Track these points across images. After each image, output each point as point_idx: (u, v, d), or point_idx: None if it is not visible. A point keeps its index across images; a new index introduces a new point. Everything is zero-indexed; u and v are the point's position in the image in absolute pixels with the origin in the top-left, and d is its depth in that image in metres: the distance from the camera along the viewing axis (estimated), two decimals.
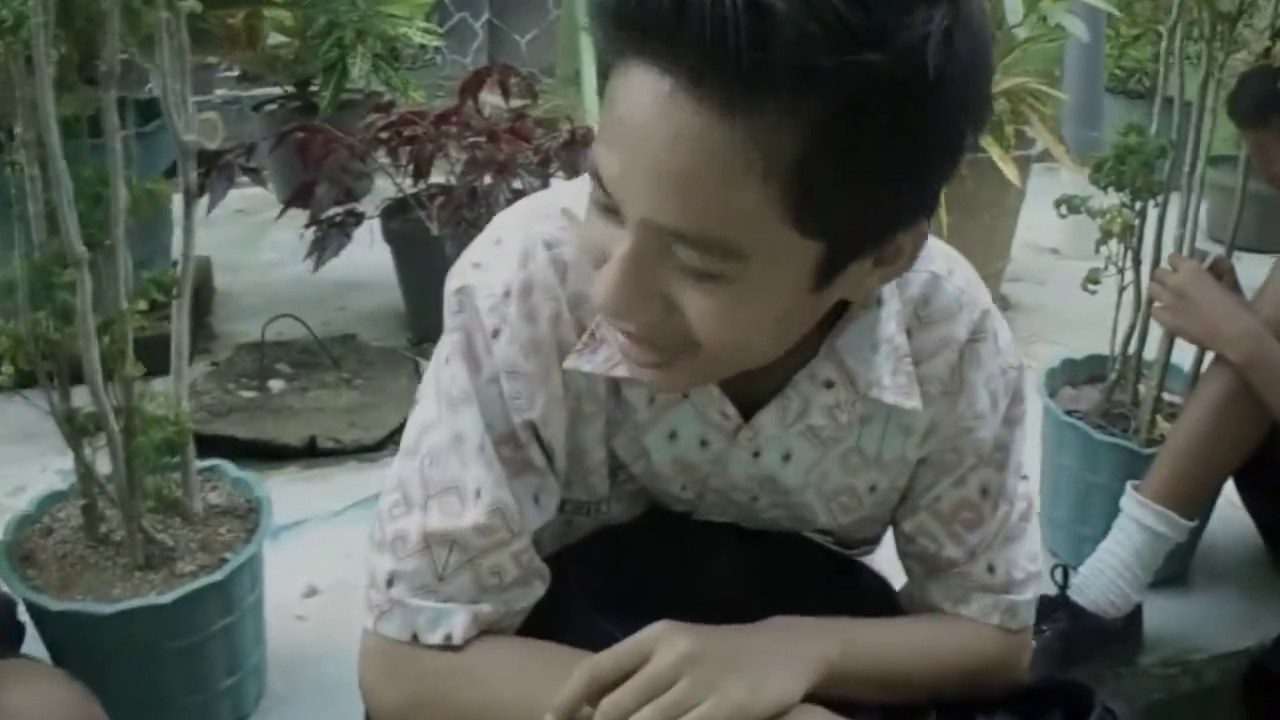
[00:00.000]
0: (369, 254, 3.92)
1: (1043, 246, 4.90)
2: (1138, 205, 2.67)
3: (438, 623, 1.41)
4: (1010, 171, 3.66)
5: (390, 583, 1.41)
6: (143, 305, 2.10)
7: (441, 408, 1.42)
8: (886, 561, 1.75)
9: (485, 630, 1.42)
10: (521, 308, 1.38)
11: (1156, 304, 2.63)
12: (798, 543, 1.67)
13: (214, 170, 3.53)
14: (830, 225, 1.14)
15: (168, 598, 2.07)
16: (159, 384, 2.23)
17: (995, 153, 3.68)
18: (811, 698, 1.40)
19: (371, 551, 1.45)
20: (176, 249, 2.35)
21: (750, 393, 1.45)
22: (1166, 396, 2.82)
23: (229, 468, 2.42)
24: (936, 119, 1.11)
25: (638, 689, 1.32)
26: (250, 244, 4.75)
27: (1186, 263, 2.59)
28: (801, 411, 1.46)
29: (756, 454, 1.51)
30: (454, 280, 1.42)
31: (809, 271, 1.18)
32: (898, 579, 1.73)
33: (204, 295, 4.07)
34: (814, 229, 1.13)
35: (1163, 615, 2.71)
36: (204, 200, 3.43)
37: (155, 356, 2.22)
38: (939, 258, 1.50)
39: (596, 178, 1.18)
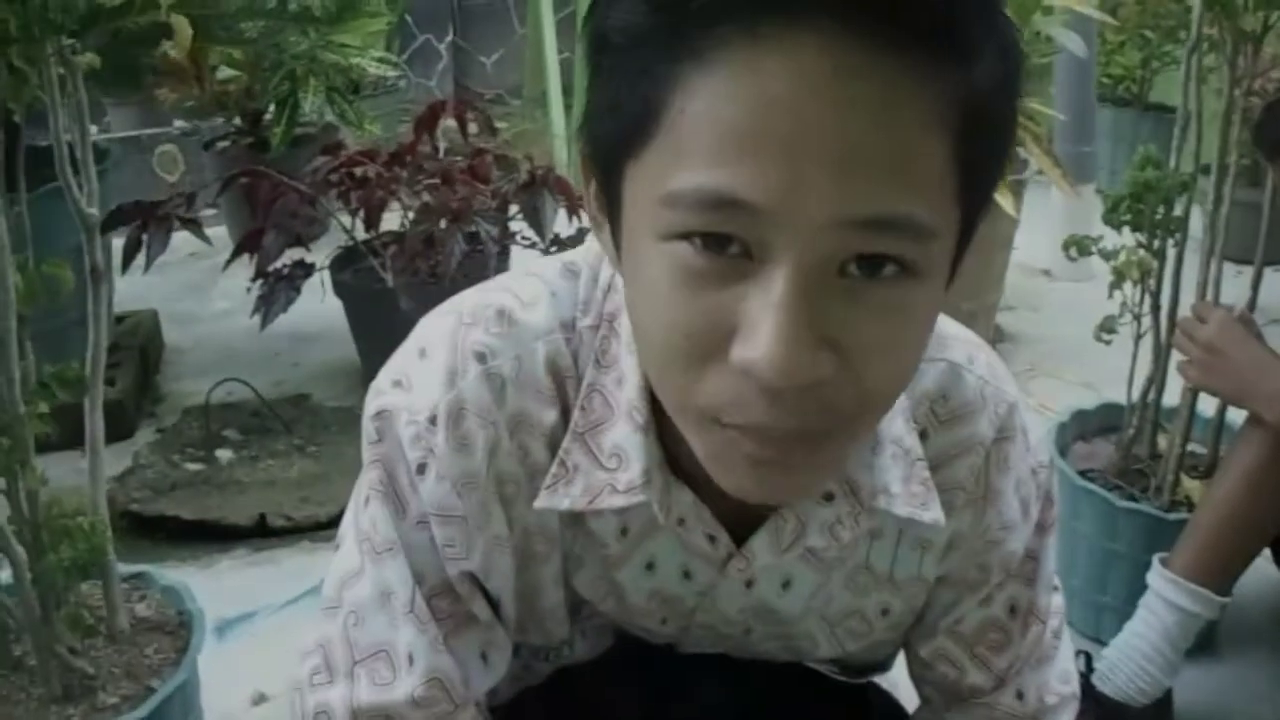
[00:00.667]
0: (322, 304, 3.73)
1: (1034, 268, 4.74)
2: (1155, 245, 2.46)
3: None
4: (1007, 202, 3.46)
5: None
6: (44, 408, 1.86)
7: (364, 556, 1.19)
8: (900, 678, 1.56)
9: None
10: (451, 436, 1.14)
11: (1182, 359, 2.41)
12: (794, 667, 1.45)
13: (152, 223, 3.32)
14: (976, 189, 0.98)
15: None
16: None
17: None
18: None
19: None
20: (122, 302, 2.11)
21: (738, 515, 1.21)
22: (1189, 447, 2.62)
23: (157, 575, 2.19)
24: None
25: None
26: (201, 292, 4.58)
27: (1216, 313, 2.37)
28: (798, 533, 1.23)
29: (749, 583, 1.28)
30: (372, 402, 1.18)
31: (950, 261, 1.00)
32: (909, 696, 1.53)
33: (151, 353, 3.90)
34: (965, 193, 0.96)
35: (1192, 688, 2.51)
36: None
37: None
38: (955, 343, 1.27)
39: (725, 205, 0.90)
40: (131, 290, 3.94)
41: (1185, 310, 2.47)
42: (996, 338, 3.80)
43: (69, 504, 1.92)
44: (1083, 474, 2.63)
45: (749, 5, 0.86)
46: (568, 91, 5.65)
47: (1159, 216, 2.40)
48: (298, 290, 3.44)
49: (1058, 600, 1.43)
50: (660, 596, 1.29)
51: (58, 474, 2.01)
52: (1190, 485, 2.56)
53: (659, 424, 1.13)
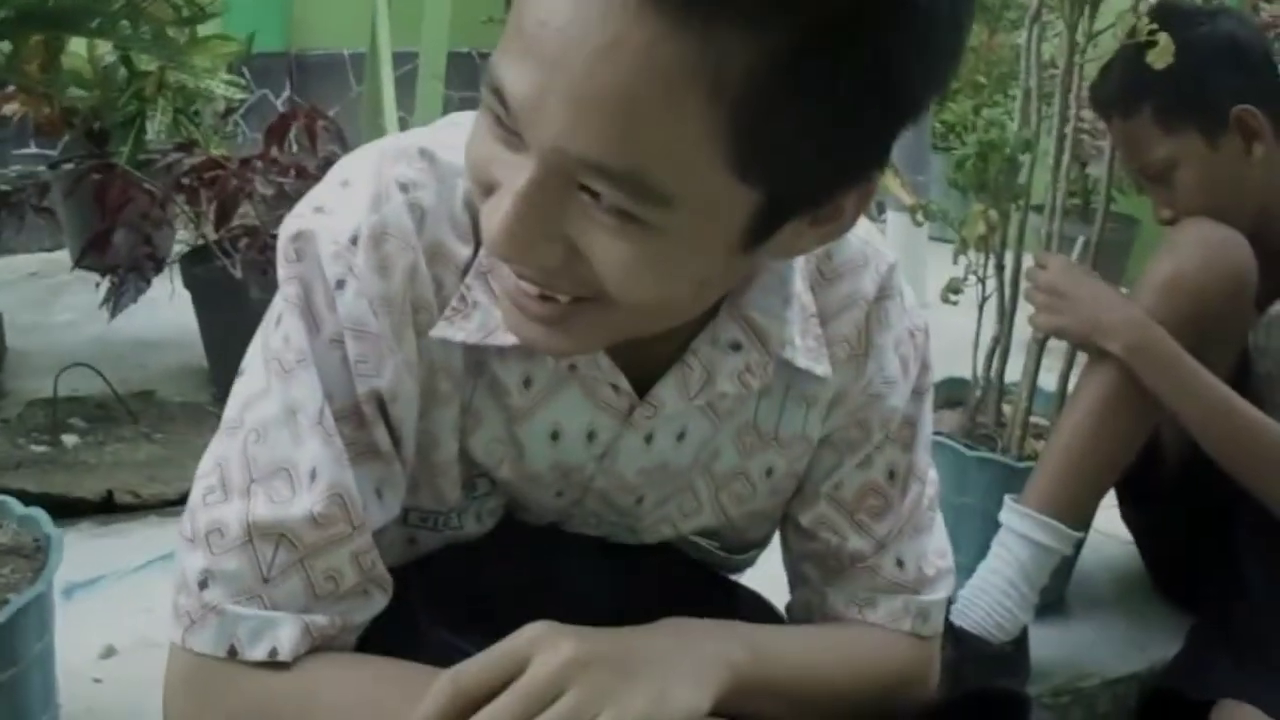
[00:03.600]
0: (169, 311, 3.76)
1: None
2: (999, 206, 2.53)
3: (261, 634, 1.16)
4: None
5: (204, 584, 1.17)
6: None
7: (271, 375, 1.19)
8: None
9: (317, 646, 1.18)
10: (372, 257, 1.17)
11: (1033, 308, 2.48)
12: (669, 559, 1.49)
13: (3, 209, 3.27)
14: (774, 171, 0.98)
15: None
16: None
17: None
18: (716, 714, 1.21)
19: (181, 549, 1.20)
20: None
21: (641, 364, 1.26)
22: (1033, 419, 2.68)
23: (13, 504, 2.15)
24: (915, 57, 0.96)
25: (515, 704, 1.09)
26: (44, 305, 4.50)
27: (1056, 258, 2.46)
28: (706, 381, 1.28)
29: (649, 438, 1.32)
30: (291, 225, 1.20)
31: (740, 227, 1.02)
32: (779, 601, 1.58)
33: None
34: (755, 174, 0.97)
35: (1045, 644, 2.56)
36: None
37: None
38: None
39: (496, 94, 0.98)
40: None
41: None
42: None
43: None
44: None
45: None
46: None
47: (1002, 180, 2.47)
48: (147, 281, 3.42)
49: (932, 473, 1.48)
50: (561, 467, 1.33)
51: None
52: (1037, 445, 2.62)
53: None
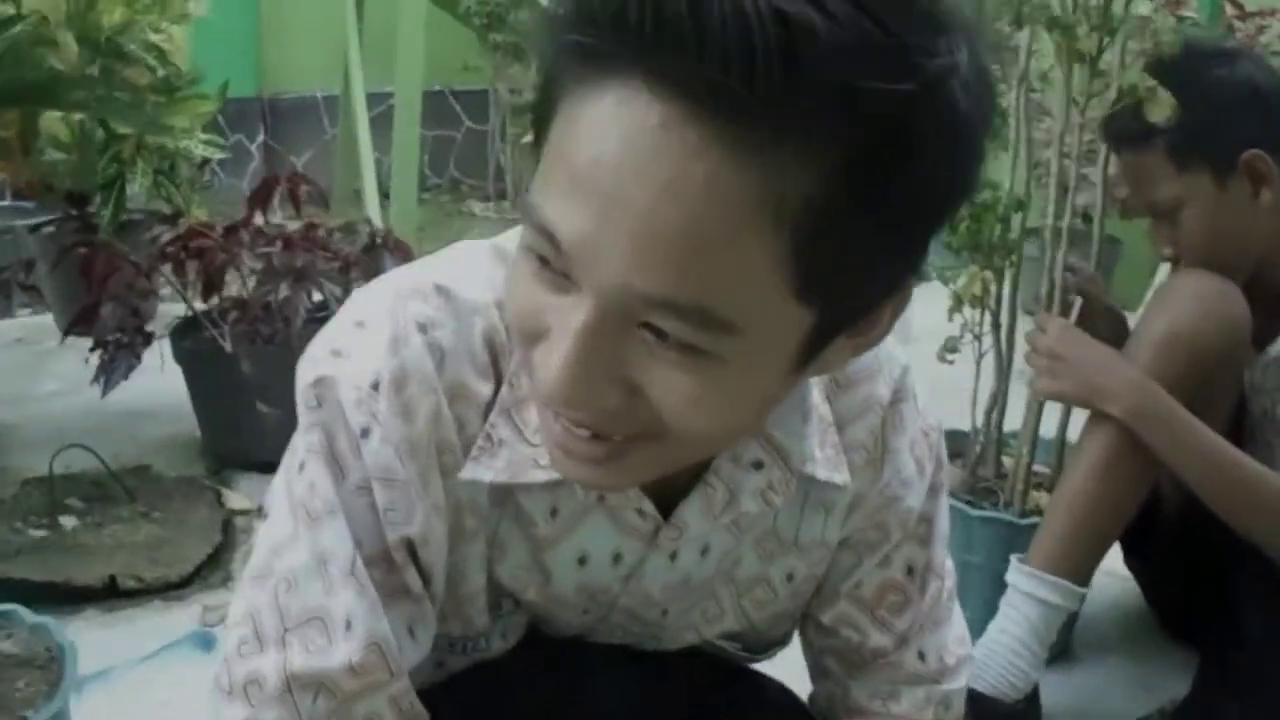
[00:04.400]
0: (159, 380, 3.70)
1: None
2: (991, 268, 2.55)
3: None
4: None
5: None
6: None
7: (299, 523, 1.17)
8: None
9: None
10: (395, 402, 1.15)
11: (1033, 373, 2.49)
12: (695, 660, 1.50)
13: None
14: (831, 289, 0.96)
15: None
16: None
17: None
18: None
19: (217, 699, 1.19)
20: None
21: (663, 484, 1.25)
22: (1034, 467, 2.69)
23: (24, 613, 2.14)
24: (953, 163, 0.96)
25: None
26: (31, 373, 4.48)
27: (1054, 321, 2.48)
28: (729, 500, 1.27)
29: (674, 556, 1.31)
30: (309, 370, 1.18)
31: (797, 348, 1.01)
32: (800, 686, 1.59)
33: None
34: (812, 294, 0.95)
35: (1054, 691, 2.57)
36: None
37: None
38: None
39: (545, 235, 0.96)
40: None
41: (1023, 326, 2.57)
42: None
43: None
44: None
45: (602, 52, 0.89)
46: (383, 191, 5.64)
47: (996, 238, 2.48)
48: (138, 357, 3.41)
49: (949, 564, 1.49)
50: (588, 589, 1.32)
51: None
52: (1039, 497, 2.64)
53: None
